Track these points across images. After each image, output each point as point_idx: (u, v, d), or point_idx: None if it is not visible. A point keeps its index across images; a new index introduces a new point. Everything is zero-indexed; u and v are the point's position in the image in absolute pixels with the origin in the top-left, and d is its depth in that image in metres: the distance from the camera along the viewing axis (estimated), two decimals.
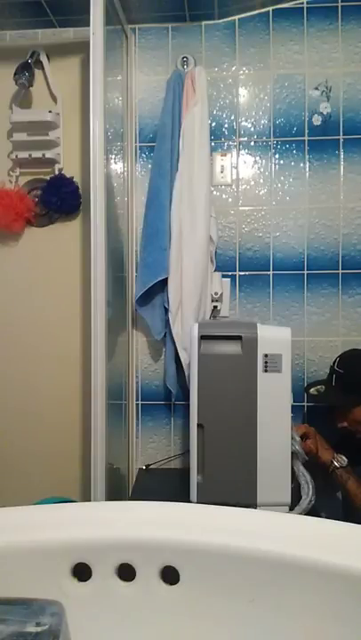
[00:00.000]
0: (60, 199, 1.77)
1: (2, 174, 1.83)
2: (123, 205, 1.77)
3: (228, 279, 1.79)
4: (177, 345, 1.69)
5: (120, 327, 1.76)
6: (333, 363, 1.55)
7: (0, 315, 1.86)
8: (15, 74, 1.73)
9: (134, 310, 1.79)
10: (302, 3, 1.76)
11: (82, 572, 0.61)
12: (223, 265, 1.80)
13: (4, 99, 1.83)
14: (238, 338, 1.33)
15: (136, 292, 1.73)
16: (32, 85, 1.78)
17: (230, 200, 1.81)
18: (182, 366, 1.70)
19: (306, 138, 1.78)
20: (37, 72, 1.81)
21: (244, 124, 1.80)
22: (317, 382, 1.66)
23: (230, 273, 1.80)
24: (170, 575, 0.61)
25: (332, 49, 1.76)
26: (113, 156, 1.67)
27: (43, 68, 1.81)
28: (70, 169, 1.81)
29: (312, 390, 1.63)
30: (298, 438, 1.36)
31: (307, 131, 1.78)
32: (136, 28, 1.82)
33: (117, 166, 1.73)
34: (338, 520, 0.64)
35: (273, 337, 1.33)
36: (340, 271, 1.77)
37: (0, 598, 0.56)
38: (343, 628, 0.56)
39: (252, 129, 1.80)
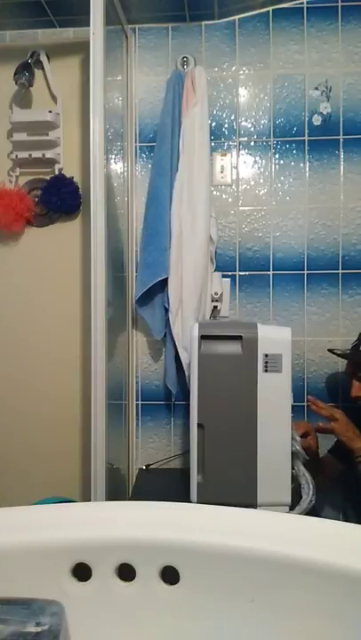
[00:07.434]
0: (60, 199, 1.77)
1: (2, 174, 1.83)
2: (123, 205, 1.77)
3: (228, 279, 1.79)
4: (177, 345, 1.69)
5: (120, 327, 1.76)
6: None
7: (0, 315, 1.86)
8: (15, 74, 1.73)
9: (134, 310, 1.79)
10: (302, 3, 1.76)
11: (82, 572, 0.61)
12: (223, 265, 1.80)
13: (3, 99, 1.83)
14: (239, 338, 1.32)
15: (136, 292, 1.73)
16: (32, 85, 1.78)
17: (230, 200, 1.81)
18: (182, 366, 1.70)
19: (306, 138, 1.78)
20: (37, 72, 1.81)
21: (244, 123, 1.80)
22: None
23: (230, 273, 1.80)
24: (170, 575, 0.61)
25: (332, 49, 1.76)
26: (113, 156, 1.67)
27: (43, 68, 1.81)
28: (70, 169, 1.81)
29: (337, 350, 1.65)
30: (298, 438, 1.36)
31: (307, 131, 1.78)
32: (136, 28, 1.82)
33: (117, 166, 1.73)
34: (338, 520, 0.64)
35: (273, 337, 1.33)
36: (340, 271, 1.77)
37: (0, 598, 0.56)
38: (343, 628, 0.56)
39: (252, 129, 1.80)
